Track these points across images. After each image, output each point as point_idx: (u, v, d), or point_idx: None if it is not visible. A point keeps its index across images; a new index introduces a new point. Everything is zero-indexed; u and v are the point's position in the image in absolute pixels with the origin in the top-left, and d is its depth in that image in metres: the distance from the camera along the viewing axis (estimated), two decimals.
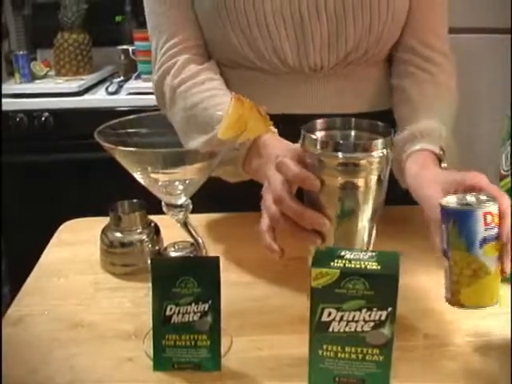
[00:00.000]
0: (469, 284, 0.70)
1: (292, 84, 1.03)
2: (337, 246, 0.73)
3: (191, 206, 0.69)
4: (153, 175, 0.64)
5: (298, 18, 0.97)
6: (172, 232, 0.92)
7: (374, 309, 0.61)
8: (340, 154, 0.69)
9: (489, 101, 2.13)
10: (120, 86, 2.37)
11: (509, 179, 0.85)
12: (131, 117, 0.71)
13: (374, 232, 0.76)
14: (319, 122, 0.76)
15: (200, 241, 0.73)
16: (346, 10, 0.97)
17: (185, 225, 0.70)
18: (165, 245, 0.94)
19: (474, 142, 1.73)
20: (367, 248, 0.76)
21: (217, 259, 0.68)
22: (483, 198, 0.71)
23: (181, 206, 0.68)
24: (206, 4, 0.99)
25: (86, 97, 2.33)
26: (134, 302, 0.86)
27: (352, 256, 0.62)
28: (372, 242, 0.77)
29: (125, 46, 2.50)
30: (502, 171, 0.86)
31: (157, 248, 0.94)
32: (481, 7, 2.25)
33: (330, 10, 0.96)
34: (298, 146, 0.74)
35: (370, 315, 0.61)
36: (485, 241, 0.68)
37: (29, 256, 1.01)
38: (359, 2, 0.96)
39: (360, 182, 0.70)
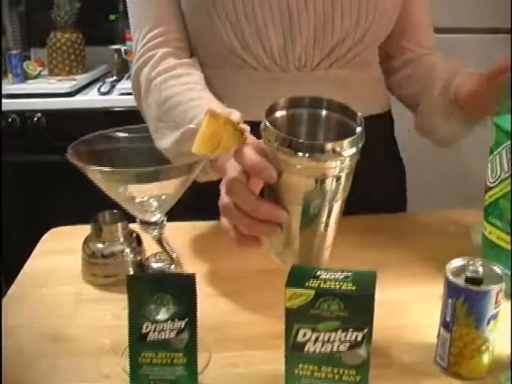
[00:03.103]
0: (472, 357, 0.68)
1: (276, 86, 1.02)
2: (302, 247, 0.70)
3: (166, 223, 0.68)
4: (126, 193, 0.63)
5: (285, 10, 0.96)
6: (154, 242, 0.92)
7: (350, 329, 0.60)
8: (301, 155, 0.63)
9: None
10: (112, 86, 2.35)
11: (495, 190, 0.84)
12: (106, 131, 0.70)
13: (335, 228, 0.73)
14: (284, 100, 0.71)
15: (175, 256, 0.72)
16: (334, 4, 0.96)
17: (159, 241, 0.69)
18: (147, 255, 0.93)
19: (465, 149, 1.72)
20: (328, 246, 0.73)
21: (193, 276, 0.68)
22: (494, 268, 0.68)
23: (155, 223, 0.67)
24: None
25: (78, 97, 2.31)
26: (114, 314, 0.85)
27: (327, 276, 0.62)
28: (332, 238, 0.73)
29: (118, 46, 2.49)
30: (487, 183, 0.85)
31: (139, 258, 0.93)
32: (475, 7, 2.24)
33: (318, 3, 0.96)
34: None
35: (345, 336, 0.61)
36: (492, 318, 0.66)
37: (16, 259, 1.01)
38: None
39: (326, 181, 0.66)
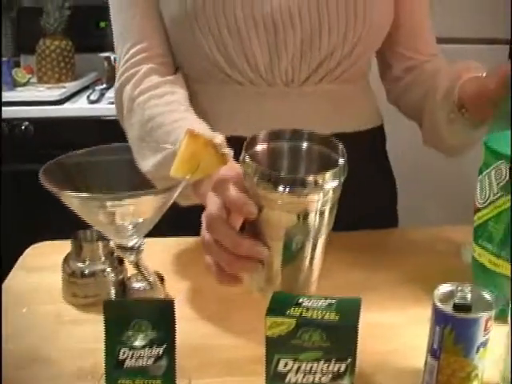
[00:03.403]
0: None
1: (262, 101, 1.00)
2: (285, 282, 0.68)
3: (143, 247, 0.66)
4: (101, 217, 0.60)
5: (270, 25, 0.93)
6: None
7: (333, 360, 0.58)
8: (282, 190, 0.61)
9: None
10: (102, 94, 2.33)
11: (484, 212, 0.81)
12: (82, 151, 0.68)
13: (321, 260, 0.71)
14: (265, 133, 0.69)
15: (152, 280, 0.69)
16: (321, 18, 0.94)
17: (137, 266, 0.67)
18: (128, 274, 0.91)
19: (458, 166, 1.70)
20: (314, 280, 0.71)
21: (171, 302, 0.65)
22: (483, 294, 0.65)
23: (132, 247, 0.65)
24: (174, 8, 0.95)
25: (67, 105, 2.28)
26: (93, 335, 0.82)
27: (310, 304, 0.59)
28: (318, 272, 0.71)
29: (107, 54, 2.47)
30: (476, 203, 0.83)
31: (120, 278, 0.90)
32: (474, 17, 2.23)
33: (304, 17, 0.93)
34: None
35: (328, 366, 0.59)
36: (482, 345, 0.64)
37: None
38: (335, 11, 0.93)
39: (309, 216, 0.64)
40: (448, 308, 0.63)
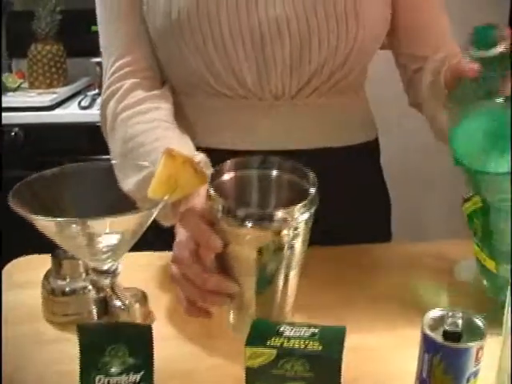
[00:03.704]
0: None
1: (252, 114, 0.97)
2: (258, 315, 0.66)
3: (120, 270, 0.63)
4: (75, 242, 0.57)
5: (257, 38, 0.90)
6: (121, 278, 0.87)
7: None
8: (249, 225, 0.59)
9: None
10: (93, 100, 2.29)
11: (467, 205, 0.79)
12: (53, 170, 0.65)
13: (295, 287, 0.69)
14: (232, 162, 0.67)
15: (128, 304, 0.66)
16: (310, 31, 0.90)
17: (112, 291, 0.64)
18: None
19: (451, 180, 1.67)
20: (288, 311, 0.69)
21: (149, 327, 0.63)
22: (475, 321, 0.62)
23: (107, 271, 0.62)
24: (159, 20, 0.92)
25: (58, 111, 2.25)
26: (71, 357, 0.79)
27: (291, 333, 0.57)
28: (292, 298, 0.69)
29: (99, 59, 2.42)
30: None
31: (102, 295, 0.87)
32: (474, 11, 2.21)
33: (293, 30, 0.90)
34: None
35: None
36: (472, 375, 0.61)
37: None
38: (325, 24, 0.89)
39: (279, 250, 0.61)
40: (438, 335, 0.60)
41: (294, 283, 0.66)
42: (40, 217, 0.55)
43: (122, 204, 0.61)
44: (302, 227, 0.61)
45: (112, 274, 0.63)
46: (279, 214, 0.59)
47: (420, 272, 0.96)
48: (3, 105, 2.24)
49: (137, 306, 0.86)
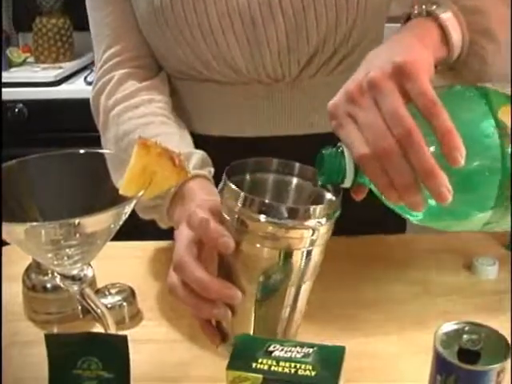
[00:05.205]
0: None
1: (251, 97, 0.89)
2: (257, 330, 0.59)
3: (91, 275, 0.56)
4: (39, 247, 0.50)
5: (248, 21, 0.82)
6: (107, 271, 0.80)
7: None
8: (265, 219, 0.53)
9: None
10: None
11: None
12: (13, 162, 0.58)
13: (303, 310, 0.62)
14: (248, 162, 0.61)
15: (100, 312, 0.59)
16: (305, 6, 0.81)
17: (82, 297, 0.57)
18: (98, 287, 0.81)
19: None
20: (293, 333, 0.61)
21: (125, 338, 0.56)
22: (495, 336, 0.54)
23: (73, 277, 0.55)
24: (142, 7, 0.85)
25: (63, 87, 2.17)
26: None
27: (282, 353, 0.49)
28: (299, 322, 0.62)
29: None
30: None
31: None
32: None
33: (286, 8, 0.81)
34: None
35: None
36: None
37: None
38: None
39: (293, 255, 0.55)
40: (452, 354, 0.52)
41: (304, 298, 0.60)
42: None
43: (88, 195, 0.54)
44: (321, 233, 0.55)
45: (81, 280, 0.55)
46: (301, 210, 0.54)
47: (436, 268, 0.88)
48: (5, 80, 2.17)
49: (124, 304, 0.80)
